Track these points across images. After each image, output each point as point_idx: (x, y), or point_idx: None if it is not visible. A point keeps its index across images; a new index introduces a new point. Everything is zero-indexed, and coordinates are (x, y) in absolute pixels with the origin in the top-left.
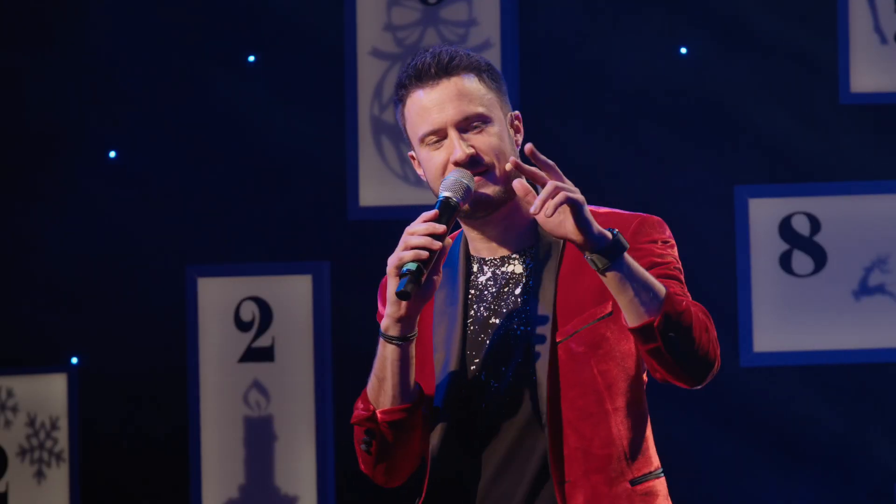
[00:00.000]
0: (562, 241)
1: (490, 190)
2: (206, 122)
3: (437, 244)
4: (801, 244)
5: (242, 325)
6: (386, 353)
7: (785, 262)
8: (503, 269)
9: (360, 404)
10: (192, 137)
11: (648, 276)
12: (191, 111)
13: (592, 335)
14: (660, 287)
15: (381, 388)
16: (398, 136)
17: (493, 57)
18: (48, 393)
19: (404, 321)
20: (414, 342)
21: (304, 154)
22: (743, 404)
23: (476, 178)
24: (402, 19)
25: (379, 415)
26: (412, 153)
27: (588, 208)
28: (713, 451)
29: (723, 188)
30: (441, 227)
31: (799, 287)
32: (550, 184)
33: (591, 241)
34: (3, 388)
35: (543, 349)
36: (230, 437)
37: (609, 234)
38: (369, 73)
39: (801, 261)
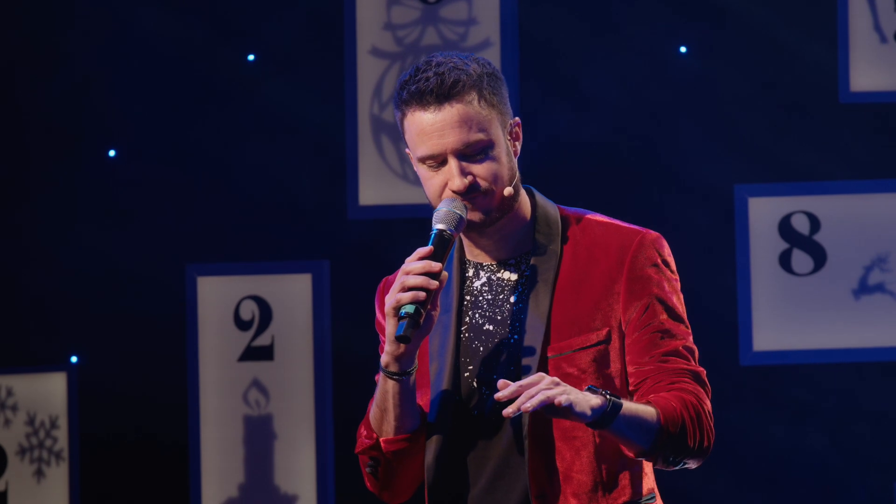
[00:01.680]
0: (559, 250)
1: (477, 217)
2: (205, 122)
3: (433, 284)
4: (801, 243)
5: (242, 324)
6: (387, 388)
7: (785, 260)
8: (499, 274)
9: (363, 431)
10: (192, 137)
11: (642, 413)
12: (191, 111)
13: (584, 360)
14: (652, 416)
15: (384, 419)
16: (398, 135)
17: (493, 56)
18: (48, 392)
19: (403, 358)
20: (415, 374)
21: (304, 153)
22: (742, 403)
23: (467, 203)
24: (401, 18)
25: (383, 444)
26: (409, 150)
27: (579, 404)
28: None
29: (723, 187)
30: (437, 266)
31: (799, 286)
32: (545, 382)
33: (589, 422)
34: (3, 386)
35: (534, 362)
36: (230, 435)
37: (603, 401)
38: (369, 73)
39: (801, 260)
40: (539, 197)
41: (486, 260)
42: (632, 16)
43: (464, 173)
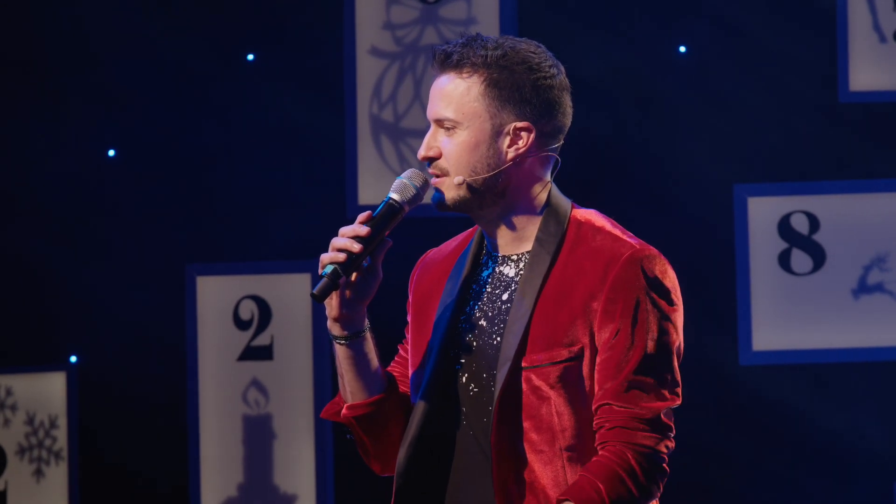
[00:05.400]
0: (554, 255)
1: (435, 195)
2: (205, 122)
3: (356, 247)
4: (800, 243)
5: (241, 324)
6: (336, 352)
7: (784, 260)
8: (500, 268)
9: (336, 398)
10: (192, 137)
11: None
12: (190, 110)
13: (555, 375)
14: None
15: (342, 384)
16: (397, 134)
17: None
18: (47, 391)
19: (341, 321)
20: (363, 340)
21: (303, 153)
22: (742, 403)
23: (432, 180)
24: (401, 18)
25: (344, 410)
26: None
27: None
28: (712, 450)
29: (722, 187)
30: (364, 230)
31: (798, 285)
32: None
33: None
34: (3, 386)
35: (508, 370)
36: (229, 435)
37: None
38: (368, 72)
39: (800, 259)
40: (554, 195)
41: (494, 250)
42: (631, 15)
43: (430, 144)
